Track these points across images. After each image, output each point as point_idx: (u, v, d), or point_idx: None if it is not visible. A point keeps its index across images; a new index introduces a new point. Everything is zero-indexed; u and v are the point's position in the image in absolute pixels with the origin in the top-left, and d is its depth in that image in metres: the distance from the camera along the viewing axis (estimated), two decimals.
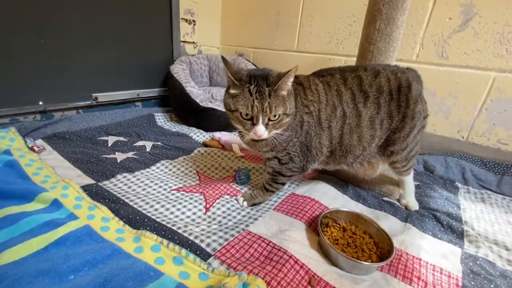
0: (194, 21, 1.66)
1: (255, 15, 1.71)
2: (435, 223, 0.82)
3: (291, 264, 0.59)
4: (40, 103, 1.12)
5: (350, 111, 0.75)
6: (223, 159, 1.11)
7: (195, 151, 1.14)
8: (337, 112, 0.75)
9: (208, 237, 0.65)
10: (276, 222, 0.74)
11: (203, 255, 0.60)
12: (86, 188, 0.80)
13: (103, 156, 1.01)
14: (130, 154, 1.06)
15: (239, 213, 0.78)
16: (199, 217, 0.75)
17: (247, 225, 0.71)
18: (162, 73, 1.49)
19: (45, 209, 0.69)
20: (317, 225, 0.69)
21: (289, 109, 0.66)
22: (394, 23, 0.95)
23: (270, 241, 0.65)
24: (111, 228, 0.65)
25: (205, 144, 1.23)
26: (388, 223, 0.80)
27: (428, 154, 1.25)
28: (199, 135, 1.33)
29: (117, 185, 0.85)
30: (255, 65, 1.69)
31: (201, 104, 1.31)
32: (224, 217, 0.76)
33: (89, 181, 0.85)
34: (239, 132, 0.73)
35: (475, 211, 0.91)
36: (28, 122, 1.10)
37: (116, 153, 1.06)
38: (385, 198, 0.94)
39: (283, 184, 0.84)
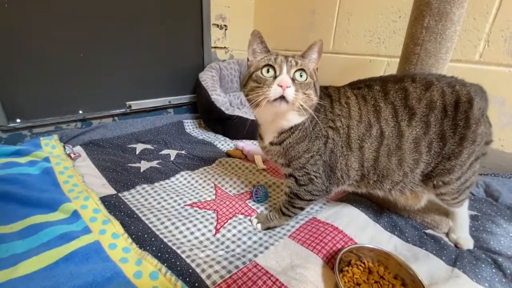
0: (225, 26, 1.64)
1: (288, 16, 1.61)
2: (494, 270, 0.65)
3: None
4: (80, 112, 1.21)
5: (390, 131, 0.62)
6: (243, 172, 1.06)
7: (216, 162, 1.11)
8: (372, 131, 0.63)
9: (211, 266, 0.60)
10: (288, 254, 0.66)
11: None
12: (105, 199, 0.82)
13: (128, 164, 1.04)
14: (154, 163, 1.08)
15: (250, 238, 0.72)
16: (208, 239, 0.71)
17: (255, 255, 0.65)
18: (193, 80, 1.49)
19: (65, 219, 0.73)
20: (334, 264, 0.59)
21: (315, 78, 0.60)
22: (448, 18, 0.78)
23: (277, 279, 0.58)
24: (118, 246, 0.65)
25: (228, 154, 1.20)
26: (429, 266, 0.65)
27: (493, 175, 1.02)
28: (223, 144, 1.30)
29: (135, 196, 0.86)
30: None
31: (226, 112, 1.28)
32: (233, 242, 0.70)
33: (110, 191, 0.88)
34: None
35: None
36: (69, 129, 1.20)
37: (142, 161, 1.09)
38: (429, 231, 0.79)
39: (302, 209, 0.75)
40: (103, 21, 1.17)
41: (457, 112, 0.60)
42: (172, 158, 1.14)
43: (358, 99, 0.65)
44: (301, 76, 0.57)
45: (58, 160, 0.99)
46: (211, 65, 1.53)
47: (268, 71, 0.56)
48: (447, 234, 0.78)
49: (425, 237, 0.76)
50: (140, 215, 0.77)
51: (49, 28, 1.05)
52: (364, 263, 0.63)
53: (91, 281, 0.54)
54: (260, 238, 0.72)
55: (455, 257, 0.68)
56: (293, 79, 0.55)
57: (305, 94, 0.57)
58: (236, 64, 1.67)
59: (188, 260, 0.62)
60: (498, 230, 0.77)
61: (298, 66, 0.56)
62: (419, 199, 0.74)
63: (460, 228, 0.75)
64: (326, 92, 0.68)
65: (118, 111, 1.33)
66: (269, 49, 0.60)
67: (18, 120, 1.07)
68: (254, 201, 0.88)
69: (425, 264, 0.66)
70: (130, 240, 0.67)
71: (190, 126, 1.47)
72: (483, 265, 0.65)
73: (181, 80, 1.52)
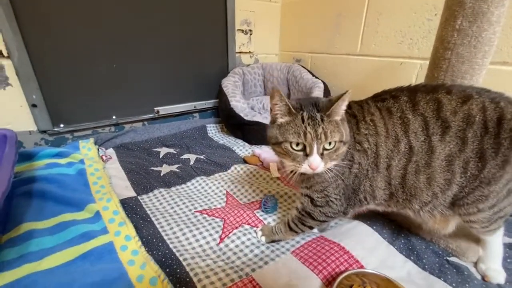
0: (250, 30, 1.65)
1: (314, 18, 1.56)
2: None
3: None
4: (114, 117, 1.33)
5: (420, 145, 0.56)
6: (257, 180, 1.06)
7: (232, 168, 1.13)
8: (400, 146, 0.58)
9: (208, 276, 0.62)
10: (287, 272, 0.64)
11: None
12: (126, 201, 0.89)
13: (151, 168, 1.12)
14: (174, 168, 1.14)
15: (252, 251, 0.72)
16: (211, 247, 0.73)
17: (253, 269, 0.65)
18: (217, 85, 1.54)
19: (89, 219, 0.81)
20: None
21: (345, 136, 0.56)
22: (485, 19, 0.68)
23: None
24: (129, 248, 0.70)
25: (244, 160, 1.21)
26: None
27: None
28: (242, 149, 1.32)
29: (152, 200, 0.92)
30: (311, 72, 1.55)
31: (245, 118, 1.29)
32: (235, 253, 0.71)
33: (131, 193, 0.95)
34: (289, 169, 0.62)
35: None
36: (104, 133, 1.33)
37: (164, 165, 1.16)
38: (453, 259, 0.70)
39: (311, 228, 0.72)
40: (132, 32, 1.27)
41: (500, 129, 0.52)
42: (191, 163, 1.19)
43: (382, 113, 0.60)
44: (330, 144, 0.55)
45: (91, 162, 1.10)
46: (234, 71, 1.56)
47: (297, 145, 0.55)
48: (475, 264, 0.69)
49: (447, 265, 0.68)
50: (153, 219, 0.83)
51: (87, 42, 1.18)
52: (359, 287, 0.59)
53: (99, 280, 0.60)
54: (262, 252, 0.72)
55: None
56: (322, 153, 0.54)
57: (334, 158, 0.56)
58: (260, 68, 1.67)
59: (188, 268, 0.64)
60: None
61: (328, 139, 0.53)
62: (447, 223, 0.66)
63: (490, 258, 0.66)
64: (350, 112, 0.63)
65: (147, 116, 1.43)
66: (290, 107, 0.55)
67: (62, 125, 1.21)
68: (262, 211, 0.88)
69: None
70: (140, 243, 0.72)
71: (213, 131, 1.52)
72: None
73: (206, 85, 1.57)
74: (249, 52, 1.70)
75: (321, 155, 0.54)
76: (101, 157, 1.16)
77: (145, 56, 1.33)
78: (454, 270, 0.66)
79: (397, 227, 0.80)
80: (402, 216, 0.74)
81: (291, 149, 0.55)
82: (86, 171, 1.04)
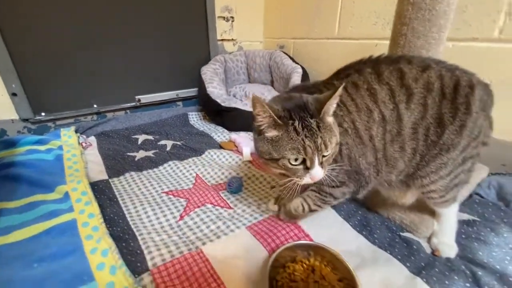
0: (232, 17, 1.64)
1: (296, 3, 1.54)
2: (468, 285, 0.56)
3: None
4: (94, 106, 1.36)
5: (390, 114, 0.56)
6: (229, 163, 1.08)
7: (206, 153, 1.15)
8: (374, 116, 0.57)
9: (159, 249, 0.65)
10: (237, 245, 0.66)
11: (142, 269, 0.60)
12: (96, 184, 0.92)
13: (127, 153, 1.15)
14: (150, 153, 1.16)
15: (208, 227, 0.74)
16: (170, 224, 0.75)
17: (204, 243, 0.67)
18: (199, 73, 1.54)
19: (58, 199, 0.84)
20: (270, 258, 0.57)
21: (338, 136, 0.54)
22: None
23: (212, 267, 0.59)
24: (90, 224, 0.73)
25: (220, 146, 1.23)
26: (386, 271, 0.60)
27: (508, 175, 0.86)
28: (220, 135, 1.33)
29: (122, 182, 0.95)
30: (292, 59, 1.54)
31: (222, 104, 1.31)
32: (191, 229, 0.73)
33: (104, 177, 0.98)
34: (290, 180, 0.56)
35: None
36: (85, 122, 1.36)
37: (140, 151, 1.18)
38: (406, 234, 0.71)
39: (330, 204, 0.69)
40: (111, 22, 1.29)
41: (456, 95, 0.53)
42: (168, 149, 1.21)
43: (348, 90, 0.58)
44: (327, 150, 0.51)
45: (69, 148, 1.13)
46: (215, 58, 1.56)
47: (296, 160, 0.51)
48: (429, 240, 0.69)
49: (397, 240, 0.69)
50: (119, 199, 0.85)
51: (65, 32, 1.20)
52: (309, 260, 0.60)
53: (55, 252, 0.63)
54: (218, 227, 0.74)
55: (423, 265, 0.61)
56: (321, 161, 0.52)
57: (331, 161, 0.55)
58: (243, 56, 1.67)
59: (141, 242, 0.67)
60: (495, 239, 0.66)
61: (328, 148, 0.50)
62: (409, 194, 0.67)
63: (443, 232, 0.67)
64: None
65: (128, 104, 1.45)
66: (276, 119, 0.49)
67: (43, 114, 1.25)
68: (228, 192, 0.90)
69: (383, 269, 0.60)
70: (101, 220, 0.75)
71: (195, 118, 1.53)
72: (455, 277, 0.57)
73: (188, 74, 1.58)
74: (232, 39, 1.70)
75: (321, 163, 0.52)
76: (81, 144, 1.20)
77: (124, 45, 1.35)
78: (404, 244, 0.67)
79: (356, 205, 0.81)
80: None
81: (289, 165, 0.51)
82: (63, 156, 1.08)
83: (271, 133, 0.51)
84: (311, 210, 0.68)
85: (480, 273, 0.57)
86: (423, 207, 0.71)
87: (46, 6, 1.14)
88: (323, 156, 0.51)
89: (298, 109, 0.50)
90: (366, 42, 1.22)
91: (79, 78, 1.29)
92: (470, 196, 0.84)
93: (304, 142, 0.49)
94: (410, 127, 0.56)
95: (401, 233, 0.71)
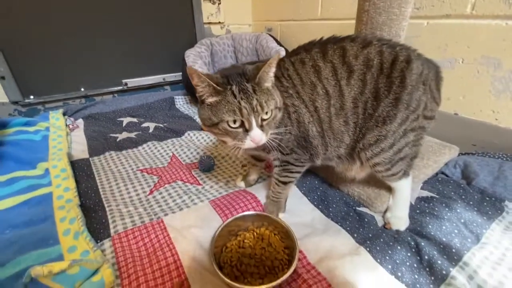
0: (219, 0, 1.63)
1: None
2: (409, 254, 0.59)
3: (171, 268, 0.56)
4: (82, 89, 1.40)
5: (333, 90, 0.58)
6: (206, 144, 1.11)
7: (186, 134, 1.18)
8: (318, 90, 0.59)
9: (123, 219, 0.69)
10: (196, 216, 0.70)
11: (104, 235, 0.65)
12: (77, 162, 0.97)
13: (110, 135, 1.19)
14: (133, 134, 1.20)
15: (174, 200, 0.78)
16: (139, 198, 0.80)
17: (166, 214, 0.71)
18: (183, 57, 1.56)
19: (39, 175, 0.89)
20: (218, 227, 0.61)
21: (279, 102, 0.55)
22: None
23: (168, 235, 0.64)
24: (64, 197, 0.78)
25: (201, 128, 1.26)
26: (333, 241, 0.63)
27: (477, 155, 0.86)
28: None
29: (101, 161, 1.00)
30: (277, 41, 1.53)
31: None
32: (158, 202, 0.77)
33: (85, 156, 1.03)
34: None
35: (505, 253, 0.58)
36: (74, 105, 1.41)
37: (123, 132, 1.22)
38: (362, 209, 0.73)
39: (299, 172, 0.69)
40: (97, 5, 1.30)
41: (392, 69, 0.55)
42: (150, 131, 1.25)
43: (295, 66, 0.61)
44: (267, 113, 0.53)
45: (55, 129, 1.18)
46: (201, 41, 1.56)
47: (234, 122, 0.52)
48: (384, 213, 0.71)
49: (351, 214, 0.71)
50: (96, 175, 0.90)
51: (51, 16, 1.22)
52: (260, 230, 0.64)
53: (28, 220, 0.68)
54: (183, 201, 0.77)
55: (370, 236, 0.64)
56: (262, 125, 0.53)
57: (273, 126, 0.56)
58: (230, 39, 1.66)
59: (108, 213, 0.72)
60: (448, 214, 0.68)
61: (264, 110, 0.52)
62: (358, 169, 0.69)
63: (396, 206, 0.69)
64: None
65: (115, 88, 1.49)
66: (215, 86, 0.50)
67: (32, 97, 1.30)
68: (200, 170, 0.93)
69: (329, 239, 0.63)
70: (76, 194, 0.80)
71: (181, 102, 1.56)
72: (398, 247, 0.60)
73: (175, 57, 1.59)
74: (219, 22, 1.69)
75: (261, 127, 0.52)
76: (68, 126, 1.25)
77: (111, 29, 1.37)
78: (357, 218, 0.70)
79: (319, 181, 0.83)
80: (328, 170, 0.77)
81: (229, 128, 0.52)
82: (49, 137, 1.13)
83: (211, 99, 0.52)
84: (282, 182, 0.68)
85: (423, 243, 0.59)
86: (381, 184, 0.73)
87: None
88: (263, 119, 0.53)
89: (236, 76, 0.52)
90: (346, 22, 1.20)
91: (66, 62, 1.33)
92: (436, 175, 0.85)
93: (240, 104, 0.50)
94: (351, 101, 0.58)
95: (357, 208, 0.73)
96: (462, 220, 0.66)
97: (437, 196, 0.75)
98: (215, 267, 0.51)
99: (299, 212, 0.72)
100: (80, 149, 1.08)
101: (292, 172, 0.68)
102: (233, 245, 0.61)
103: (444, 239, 0.61)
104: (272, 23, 1.67)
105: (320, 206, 0.74)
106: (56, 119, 1.28)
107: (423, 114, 0.57)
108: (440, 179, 0.81)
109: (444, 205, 0.71)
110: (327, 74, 0.58)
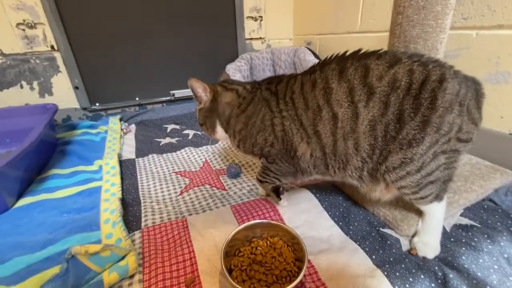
0: (260, 17, 1.72)
1: None
2: (433, 285, 0.53)
3: (186, 264, 0.61)
4: (137, 98, 1.60)
5: (343, 113, 0.56)
6: (237, 152, 1.16)
7: (219, 142, 1.26)
8: (322, 114, 0.58)
9: (153, 214, 0.77)
10: (216, 218, 0.74)
11: (135, 227, 0.73)
12: (125, 161, 1.11)
13: (155, 139, 1.33)
14: (174, 140, 1.33)
15: (200, 202, 0.84)
16: (170, 198, 0.88)
17: (190, 214, 0.77)
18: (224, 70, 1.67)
19: (94, 170, 1.05)
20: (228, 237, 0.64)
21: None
22: None
23: (188, 233, 0.69)
24: (110, 191, 0.90)
25: None
26: (348, 259, 0.60)
27: None
28: None
29: (144, 162, 1.12)
30: (316, 54, 1.54)
31: None
32: (185, 202, 0.84)
33: (131, 156, 1.17)
34: None
35: None
36: (129, 112, 1.61)
37: (166, 138, 1.36)
38: (386, 230, 0.69)
39: (278, 180, 0.73)
40: (151, 27, 1.50)
41: (422, 89, 0.50)
42: (189, 137, 1.36)
43: (304, 89, 0.61)
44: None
45: (112, 132, 1.37)
46: (242, 56, 1.66)
47: None
48: (413, 237, 0.66)
49: (373, 234, 0.67)
50: (138, 174, 1.02)
51: (115, 38, 1.45)
52: (274, 238, 0.65)
53: (79, 208, 0.81)
54: (208, 204, 0.83)
55: (391, 260, 0.59)
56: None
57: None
58: (269, 53, 1.73)
59: (142, 208, 0.81)
60: (489, 247, 0.60)
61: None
62: (383, 190, 0.66)
63: (425, 231, 0.63)
64: (273, 90, 0.67)
65: (164, 98, 1.66)
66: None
67: (97, 104, 1.53)
68: (227, 176, 0.98)
69: (344, 257, 0.61)
70: (120, 188, 0.91)
71: None
72: (422, 276, 0.55)
73: (218, 70, 1.71)
74: (260, 38, 1.78)
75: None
76: (122, 130, 1.43)
77: (162, 45, 1.56)
78: (379, 239, 0.66)
79: (344, 198, 0.80)
80: (353, 188, 0.74)
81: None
82: (106, 139, 1.31)
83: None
84: (259, 180, 0.77)
85: (452, 275, 0.54)
86: (410, 205, 0.67)
87: (101, 16, 1.40)
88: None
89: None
90: (385, 35, 1.15)
91: (126, 75, 1.54)
92: (482, 201, 0.75)
93: None
94: (367, 124, 0.54)
95: (380, 229, 0.69)
96: (506, 255, 0.58)
97: (478, 225, 0.66)
98: (224, 269, 0.54)
99: (317, 227, 0.71)
100: (129, 150, 1.23)
101: (269, 176, 0.73)
102: (246, 250, 0.63)
103: (479, 274, 0.54)
104: (311, 37, 1.69)
105: (340, 223, 0.71)
106: (114, 124, 1.48)
107: (456, 137, 0.52)
108: (486, 206, 0.72)
109: (485, 236, 0.63)
110: (340, 96, 0.55)
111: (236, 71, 1.53)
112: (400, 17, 0.71)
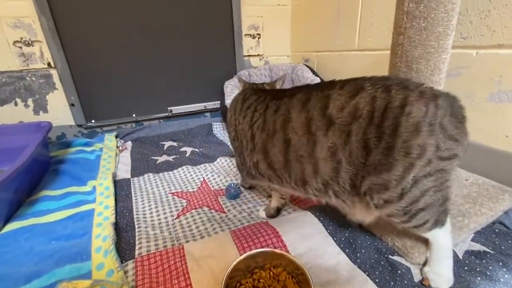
0: (258, 34, 1.74)
1: (319, 17, 1.56)
2: None
3: None
4: (133, 115, 1.57)
5: (297, 140, 0.58)
6: (236, 171, 1.13)
7: (218, 160, 1.23)
8: (276, 138, 0.62)
9: (148, 241, 0.73)
10: (215, 246, 0.70)
11: (129, 255, 0.68)
12: (120, 181, 1.07)
13: (151, 157, 1.30)
14: (171, 158, 1.29)
15: (197, 227, 0.80)
16: (166, 222, 0.83)
17: (187, 241, 0.73)
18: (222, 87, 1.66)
19: (88, 191, 1.01)
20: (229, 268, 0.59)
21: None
22: None
23: (185, 263, 0.64)
24: (103, 214, 0.86)
25: (233, 154, 1.29)
26: None
27: None
28: None
29: (140, 182, 1.08)
30: (314, 71, 1.54)
31: None
32: (182, 227, 0.80)
33: (127, 175, 1.13)
34: None
35: None
36: (125, 129, 1.58)
37: (163, 155, 1.32)
38: (395, 258, 0.65)
39: (242, 169, 0.79)
40: (148, 43, 1.50)
41: (384, 117, 0.49)
42: (187, 155, 1.33)
43: (268, 111, 0.65)
44: None
45: (107, 150, 1.33)
46: (240, 73, 1.66)
47: None
48: (423, 267, 0.62)
49: (383, 263, 0.63)
50: (133, 195, 0.98)
51: (111, 55, 1.44)
52: (277, 269, 0.61)
53: (69, 234, 0.76)
54: (206, 229, 0.79)
55: None
56: None
57: None
58: (267, 70, 1.73)
59: (136, 234, 0.76)
60: (506, 277, 0.57)
61: None
62: (366, 212, 0.62)
63: (433, 260, 0.59)
64: (245, 97, 0.75)
65: (162, 114, 1.64)
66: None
67: (93, 121, 1.50)
68: (226, 197, 0.94)
69: None
70: (113, 212, 0.87)
71: (218, 128, 1.64)
72: None
73: (216, 87, 1.71)
74: (258, 55, 1.79)
75: None
76: (118, 148, 1.40)
77: (159, 61, 1.55)
78: (389, 268, 0.62)
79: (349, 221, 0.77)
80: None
81: None
82: (101, 157, 1.28)
83: None
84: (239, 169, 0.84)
85: None
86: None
87: (97, 33, 1.40)
88: None
89: None
90: (384, 53, 1.16)
91: (122, 92, 1.53)
92: (493, 224, 0.72)
93: None
94: (327, 150, 0.54)
95: (390, 256, 0.65)
96: None
97: (491, 252, 0.63)
98: None
99: (323, 254, 0.67)
100: (124, 169, 1.19)
101: (238, 168, 0.83)
102: (248, 283, 0.58)
103: None
104: (309, 54, 1.70)
105: (346, 250, 0.68)
106: (109, 141, 1.45)
107: (437, 156, 0.49)
108: (497, 230, 0.69)
109: (500, 263, 0.59)
110: (297, 126, 0.58)
111: (234, 87, 1.52)
112: (401, 38, 0.71)
